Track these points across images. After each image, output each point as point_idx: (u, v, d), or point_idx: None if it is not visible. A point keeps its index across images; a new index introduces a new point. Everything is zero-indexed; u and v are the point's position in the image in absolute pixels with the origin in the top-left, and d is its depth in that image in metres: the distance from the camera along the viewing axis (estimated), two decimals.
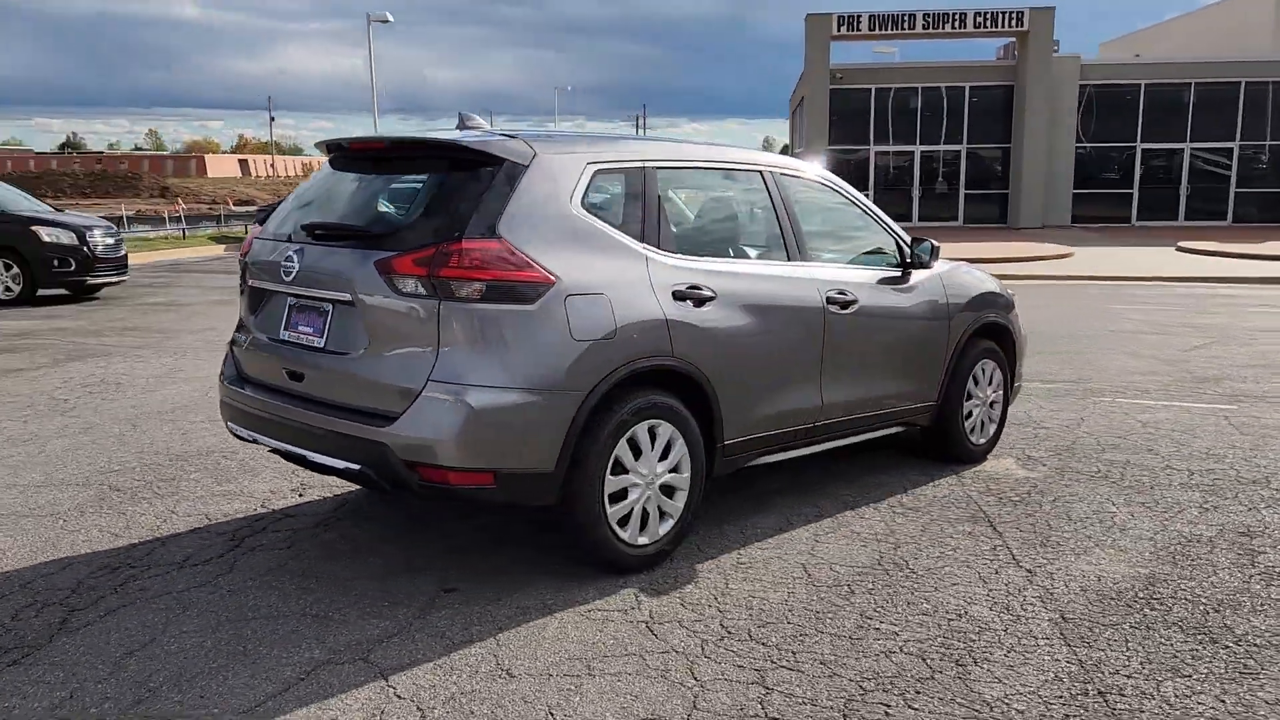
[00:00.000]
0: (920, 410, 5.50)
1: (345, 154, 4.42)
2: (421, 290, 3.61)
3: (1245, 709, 3.04)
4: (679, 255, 4.23)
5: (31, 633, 3.53)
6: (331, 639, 3.47)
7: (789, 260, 4.75)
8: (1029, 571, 4.15)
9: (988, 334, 5.88)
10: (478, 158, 3.85)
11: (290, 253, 4.05)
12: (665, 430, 4.09)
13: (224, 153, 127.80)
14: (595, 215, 4.00)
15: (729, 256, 4.60)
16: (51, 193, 49.57)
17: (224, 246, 26.17)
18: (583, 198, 3.97)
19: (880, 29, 31.68)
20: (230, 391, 4.34)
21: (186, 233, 29.80)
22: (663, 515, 4.15)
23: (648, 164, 4.27)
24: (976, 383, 5.79)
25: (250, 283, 4.38)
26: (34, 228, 13.36)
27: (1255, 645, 3.46)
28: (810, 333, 4.71)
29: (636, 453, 4.00)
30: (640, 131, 66.19)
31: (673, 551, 4.23)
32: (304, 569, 4.13)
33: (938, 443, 5.78)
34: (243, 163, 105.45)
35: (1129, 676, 3.24)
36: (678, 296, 4.10)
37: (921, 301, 5.40)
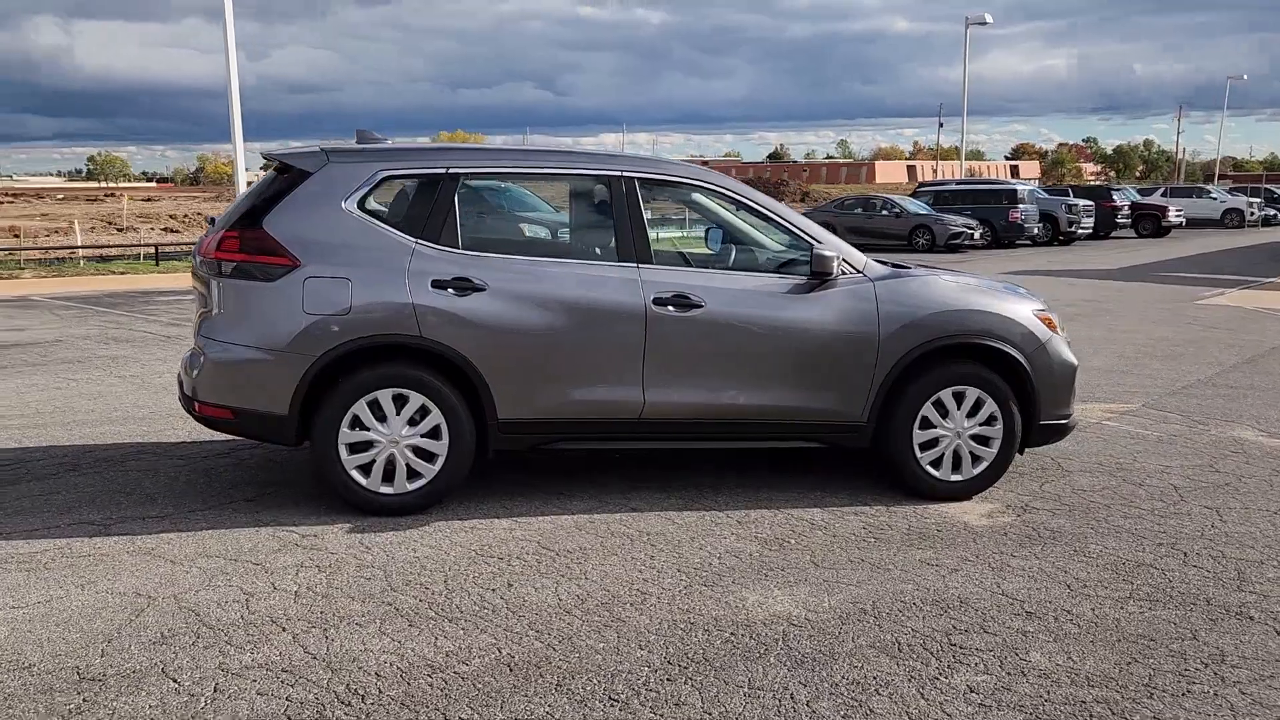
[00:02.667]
0: (840, 429, 5.16)
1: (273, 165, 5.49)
2: (211, 268, 4.82)
3: None
4: (459, 251, 4.82)
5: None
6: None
7: (620, 262, 4.96)
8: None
9: (970, 356, 5.20)
10: (286, 166, 4.92)
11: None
12: (416, 399, 4.75)
13: (899, 159, 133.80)
14: (368, 214, 4.82)
15: (531, 255, 5.00)
16: None
17: None
18: (360, 200, 4.81)
19: None
20: None
21: None
22: (414, 474, 4.81)
23: (450, 171, 4.91)
24: (944, 411, 5.18)
25: None
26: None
27: None
28: (623, 332, 4.88)
29: (379, 415, 4.74)
30: None
31: (426, 506, 4.86)
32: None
33: (889, 470, 5.32)
34: (910, 168, 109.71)
35: None
36: (436, 285, 4.73)
37: (828, 312, 5.07)
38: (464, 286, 4.76)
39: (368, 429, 4.75)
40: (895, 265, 5.50)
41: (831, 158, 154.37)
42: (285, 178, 4.89)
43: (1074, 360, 5.39)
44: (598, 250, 5.05)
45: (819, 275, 5.03)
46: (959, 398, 5.20)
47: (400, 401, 4.76)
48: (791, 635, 3.62)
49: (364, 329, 4.68)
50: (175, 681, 3.20)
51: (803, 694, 3.20)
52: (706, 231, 5.61)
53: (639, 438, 5.06)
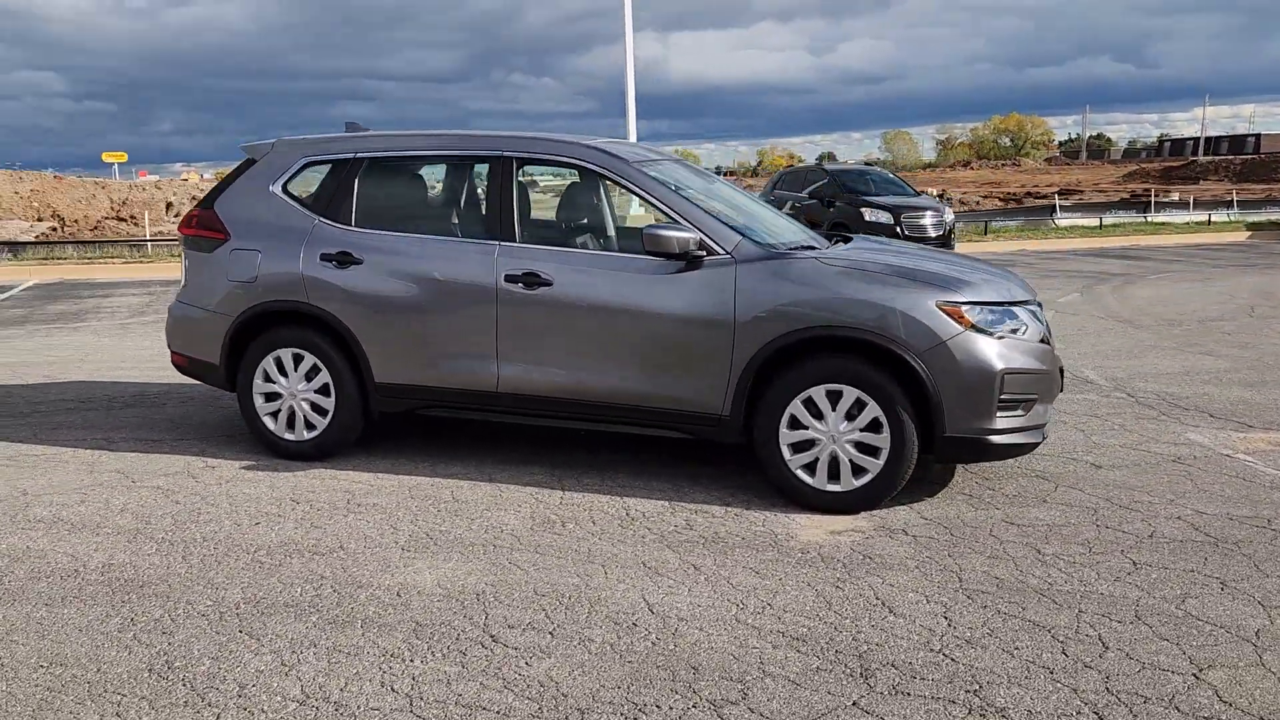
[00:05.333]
0: (699, 421, 4.84)
1: None
2: (181, 241, 5.80)
3: None
4: (351, 228, 5.31)
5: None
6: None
7: (485, 239, 5.10)
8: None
9: (851, 351, 4.59)
10: (249, 156, 5.74)
11: None
12: (309, 359, 5.36)
13: None
14: (289, 195, 5.48)
15: (411, 233, 5.27)
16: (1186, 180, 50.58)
17: (1249, 233, 24.32)
18: (285, 182, 5.50)
19: None
20: None
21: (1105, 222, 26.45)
22: (310, 425, 5.41)
23: (357, 155, 5.41)
24: (817, 411, 4.64)
25: None
26: (862, 208, 16.15)
27: None
28: (479, 307, 5.04)
29: (282, 370, 5.41)
30: None
31: (320, 455, 5.42)
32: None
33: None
34: None
35: None
36: (324, 258, 5.28)
37: (681, 297, 4.77)
38: (345, 260, 5.25)
39: (274, 382, 5.45)
40: (828, 242, 5.00)
41: None
42: (244, 165, 5.73)
43: (995, 364, 4.48)
44: (470, 228, 5.24)
45: (653, 254, 4.75)
46: (834, 397, 4.60)
47: (299, 360, 5.39)
48: (412, 603, 3.66)
49: (266, 295, 5.38)
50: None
51: (409, 655, 3.32)
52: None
53: (500, 411, 5.18)
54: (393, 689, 3.07)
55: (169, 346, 5.84)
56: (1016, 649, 3.31)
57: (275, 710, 2.95)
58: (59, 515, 4.62)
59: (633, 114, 19.87)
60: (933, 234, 16.02)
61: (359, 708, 2.96)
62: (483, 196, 5.30)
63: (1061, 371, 4.99)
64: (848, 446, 4.60)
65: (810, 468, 4.67)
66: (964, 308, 4.53)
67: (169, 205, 33.98)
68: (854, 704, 2.98)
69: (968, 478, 5.16)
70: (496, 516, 4.61)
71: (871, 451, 4.58)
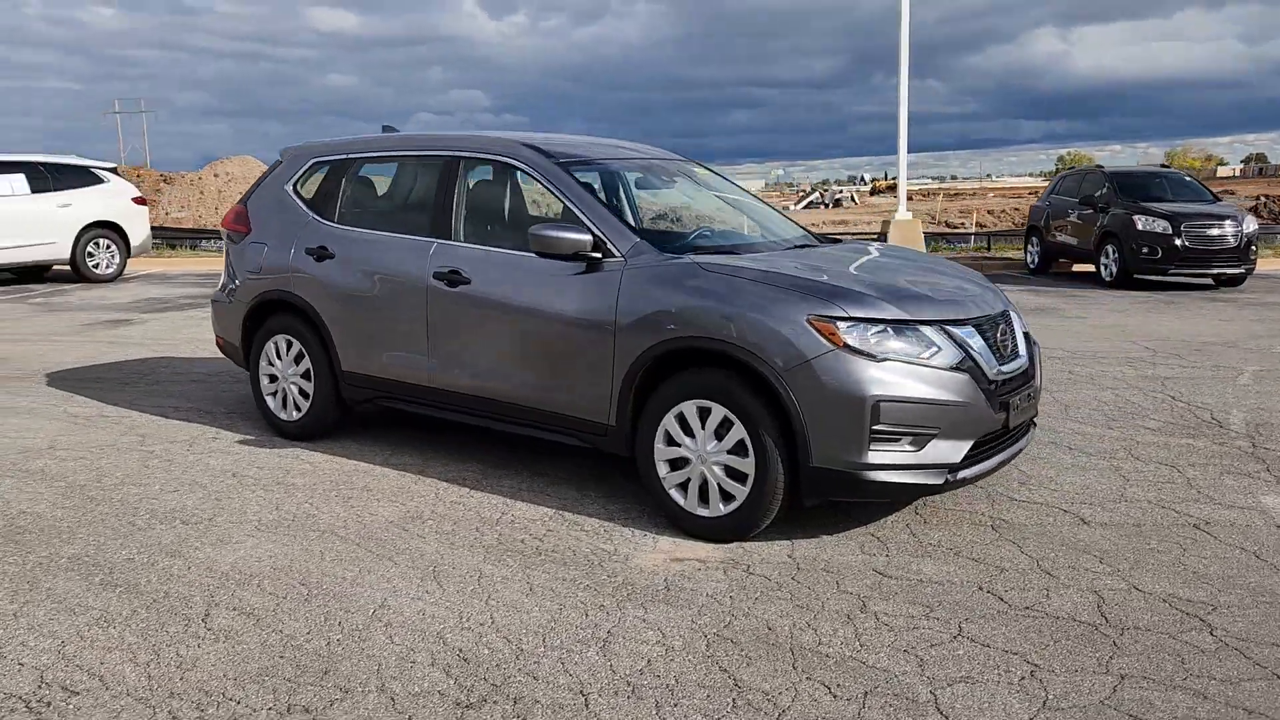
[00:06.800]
0: (589, 430, 4.66)
1: None
2: (224, 235, 6.40)
3: None
4: (335, 224, 5.63)
5: None
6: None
7: (428, 236, 5.21)
8: None
9: (724, 365, 4.23)
10: (281, 156, 6.24)
11: None
12: (297, 345, 5.76)
13: None
14: (297, 195, 5.90)
15: (372, 229, 5.46)
16: None
17: None
18: (294, 183, 5.93)
19: None
20: None
21: None
22: (296, 408, 5.80)
23: (349, 156, 5.74)
24: (689, 430, 4.33)
25: None
26: (1136, 215, 14.26)
27: None
28: (413, 303, 5.17)
29: (279, 354, 5.85)
30: None
31: (305, 436, 5.79)
32: None
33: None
34: None
35: None
36: (308, 252, 5.65)
37: (571, 299, 4.61)
38: (321, 254, 5.59)
39: (273, 365, 5.91)
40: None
41: None
42: (274, 165, 6.25)
43: (866, 389, 3.92)
44: (417, 226, 5.36)
45: (539, 254, 4.62)
46: (704, 414, 4.26)
47: (290, 346, 5.81)
48: (186, 577, 3.89)
49: (265, 284, 5.84)
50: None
51: (122, 621, 3.67)
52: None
53: (435, 406, 5.26)
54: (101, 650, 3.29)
55: (214, 333, 6.51)
56: (685, 704, 2.93)
57: None
58: (44, 467, 5.32)
59: (904, 117, 18.91)
60: (1231, 243, 13.94)
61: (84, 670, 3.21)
62: (430, 195, 5.42)
63: (1011, 406, 4.26)
64: (716, 469, 4.23)
65: (684, 488, 4.35)
66: (840, 324, 4.00)
67: None
68: None
69: (909, 516, 4.54)
70: (376, 507, 4.71)
71: (739, 477, 4.18)
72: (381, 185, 5.89)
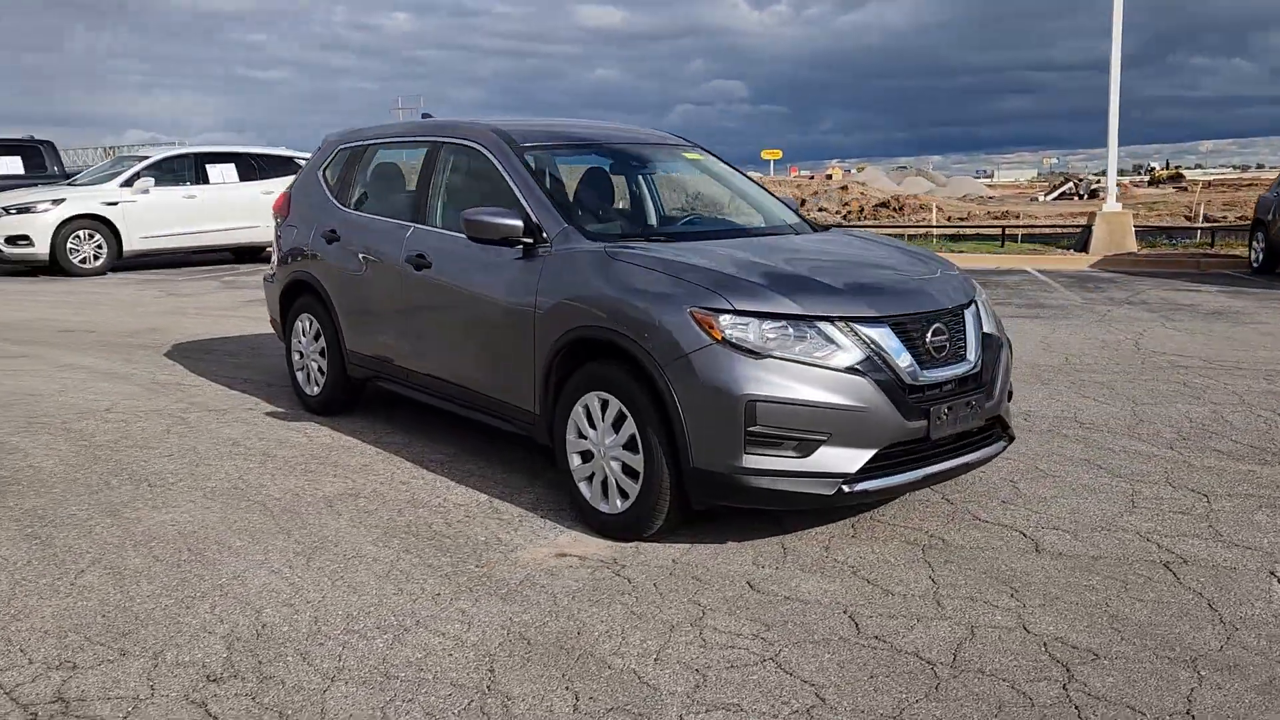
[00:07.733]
0: (521, 419, 4.63)
1: None
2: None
3: None
4: (348, 209, 5.86)
5: None
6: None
7: (410, 221, 5.31)
8: None
9: (621, 357, 4.09)
10: (322, 143, 6.54)
11: None
12: (315, 324, 6.03)
13: None
14: (323, 180, 6.16)
15: (377, 214, 5.59)
16: None
17: None
18: (323, 169, 6.20)
19: None
20: None
21: None
22: (316, 384, 6.07)
23: (366, 143, 5.93)
24: (592, 423, 4.21)
25: None
26: None
27: None
28: (393, 285, 5.30)
29: (303, 331, 6.15)
30: None
31: (321, 411, 6.05)
32: None
33: None
34: None
35: None
36: (323, 235, 5.91)
37: (501, 285, 4.59)
38: (331, 237, 5.83)
39: (299, 342, 6.22)
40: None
41: None
42: (316, 152, 6.55)
43: (739, 387, 3.67)
44: (403, 210, 5.46)
45: (473, 239, 4.59)
46: (605, 406, 4.13)
47: (310, 324, 6.10)
48: (109, 533, 4.20)
49: (293, 265, 6.17)
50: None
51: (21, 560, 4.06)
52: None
53: (410, 388, 5.37)
54: None
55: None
56: (419, 700, 2.87)
57: None
58: (85, 427, 5.84)
59: (1114, 105, 17.36)
60: None
61: None
62: (415, 180, 5.51)
63: (934, 415, 3.86)
64: (614, 464, 4.09)
65: (590, 481, 4.23)
66: (719, 317, 3.75)
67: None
68: (188, 700, 2.87)
69: (839, 528, 4.21)
70: (325, 483, 4.85)
71: (633, 474, 4.02)
72: (378, 171, 6.06)
